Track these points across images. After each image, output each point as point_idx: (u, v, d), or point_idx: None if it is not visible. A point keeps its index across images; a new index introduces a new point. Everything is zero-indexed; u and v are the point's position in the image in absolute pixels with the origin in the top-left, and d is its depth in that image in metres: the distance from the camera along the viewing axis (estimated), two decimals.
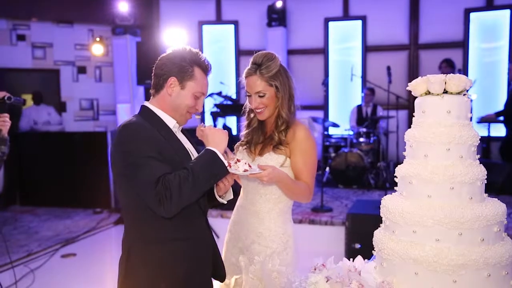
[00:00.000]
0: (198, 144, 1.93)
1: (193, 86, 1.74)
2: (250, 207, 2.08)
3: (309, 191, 2.02)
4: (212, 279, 1.90)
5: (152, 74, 1.79)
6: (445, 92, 1.48)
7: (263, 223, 2.04)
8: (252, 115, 2.15)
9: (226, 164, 1.69)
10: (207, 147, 1.70)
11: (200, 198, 1.72)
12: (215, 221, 5.25)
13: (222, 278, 1.94)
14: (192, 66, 1.74)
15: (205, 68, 1.79)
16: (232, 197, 1.94)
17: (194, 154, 1.82)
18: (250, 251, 2.03)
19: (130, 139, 1.63)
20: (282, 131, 2.02)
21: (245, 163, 1.77)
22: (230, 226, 2.19)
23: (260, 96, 2.00)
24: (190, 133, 1.94)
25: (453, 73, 1.50)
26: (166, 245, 1.70)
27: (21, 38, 8.30)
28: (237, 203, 2.19)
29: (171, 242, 1.70)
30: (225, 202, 1.89)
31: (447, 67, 6.44)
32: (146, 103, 1.79)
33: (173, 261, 1.70)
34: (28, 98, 7.66)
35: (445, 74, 1.48)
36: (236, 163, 1.75)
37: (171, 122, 1.76)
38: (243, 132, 2.19)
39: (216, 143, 1.70)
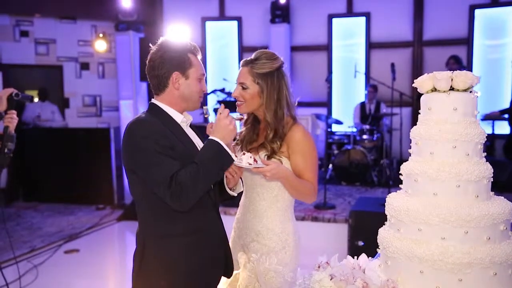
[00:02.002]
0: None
1: (194, 71, 1.79)
2: (250, 205, 2.08)
3: (314, 190, 2.00)
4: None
5: (149, 77, 1.81)
6: (452, 89, 1.46)
7: (261, 221, 2.03)
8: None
9: (231, 152, 1.72)
10: (211, 137, 1.72)
11: (210, 190, 1.76)
12: None
13: (229, 274, 1.95)
14: (186, 54, 1.78)
15: (195, 51, 1.83)
16: (242, 189, 1.95)
17: None
18: (250, 249, 2.04)
19: (141, 135, 1.66)
20: (273, 141, 1.97)
21: (250, 157, 1.77)
22: (234, 224, 2.20)
23: (242, 88, 2.00)
24: (198, 129, 1.96)
25: (460, 69, 1.49)
26: (179, 238, 1.73)
27: (24, 34, 8.30)
28: (240, 201, 2.19)
29: (184, 235, 1.74)
30: (235, 195, 1.92)
31: (455, 63, 6.38)
32: (154, 100, 1.83)
33: (187, 253, 1.74)
34: (32, 94, 7.67)
35: (452, 71, 1.47)
36: (242, 156, 1.76)
37: (178, 118, 1.80)
38: (241, 129, 2.19)
39: (223, 135, 1.72)
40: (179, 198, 1.60)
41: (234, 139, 2.18)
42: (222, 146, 1.69)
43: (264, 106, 1.99)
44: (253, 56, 2.02)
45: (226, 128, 1.73)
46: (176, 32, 7.02)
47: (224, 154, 1.69)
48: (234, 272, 2.05)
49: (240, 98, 2.01)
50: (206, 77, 1.88)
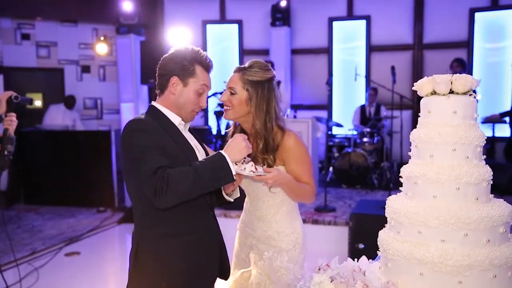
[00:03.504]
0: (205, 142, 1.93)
1: (195, 82, 1.79)
2: (256, 212, 2.10)
3: (312, 192, 2.05)
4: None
5: (156, 74, 1.84)
6: (451, 92, 1.47)
7: (271, 226, 2.06)
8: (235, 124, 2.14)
9: (234, 170, 1.69)
10: (220, 151, 1.72)
11: (205, 195, 1.75)
12: (219, 220, 5.24)
13: (226, 277, 1.96)
14: (193, 64, 1.78)
15: (206, 65, 1.83)
16: (239, 195, 1.96)
17: (200, 151, 1.85)
18: (260, 249, 2.05)
19: (132, 132, 1.69)
20: (266, 154, 1.98)
21: (252, 165, 1.78)
22: (240, 225, 2.22)
23: (231, 93, 1.99)
24: (197, 132, 1.96)
25: (464, 72, 1.50)
26: (173, 238, 1.74)
27: (26, 37, 8.33)
28: (245, 205, 2.20)
29: (178, 236, 1.74)
30: (232, 200, 1.92)
31: (458, 66, 6.39)
32: (153, 103, 1.84)
33: (180, 255, 1.74)
34: (32, 97, 7.69)
35: (453, 74, 1.48)
36: (242, 163, 1.76)
37: (176, 120, 1.81)
38: (227, 138, 2.17)
39: (233, 152, 1.70)
40: (159, 193, 1.56)
41: None
42: (226, 161, 1.66)
43: (254, 115, 1.98)
44: (246, 64, 2.03)
45: (237, 145, 1.71)
46: (177, 35, 7.04)
47: (225, 168, 1.66)
48: (241, 271, 2.06)
49: (228, 103, 1.99)
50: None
